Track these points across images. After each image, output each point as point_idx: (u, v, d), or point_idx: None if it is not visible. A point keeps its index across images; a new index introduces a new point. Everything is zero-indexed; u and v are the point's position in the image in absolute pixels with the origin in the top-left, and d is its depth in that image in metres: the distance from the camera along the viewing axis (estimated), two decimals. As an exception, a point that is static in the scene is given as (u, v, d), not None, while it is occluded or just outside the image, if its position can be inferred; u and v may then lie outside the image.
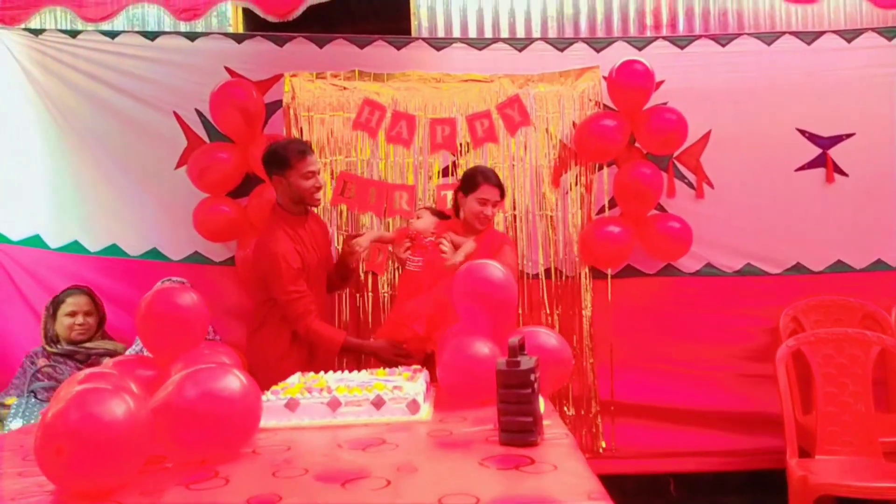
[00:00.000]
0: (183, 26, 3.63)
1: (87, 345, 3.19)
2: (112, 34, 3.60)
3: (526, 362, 1.59)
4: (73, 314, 3.18)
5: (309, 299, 2.80)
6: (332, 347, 2.83)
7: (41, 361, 3.13)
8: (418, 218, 3.15)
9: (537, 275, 3.55)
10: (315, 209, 3.05)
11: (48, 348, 3.16)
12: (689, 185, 3.59)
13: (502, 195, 3.02)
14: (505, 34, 4.02)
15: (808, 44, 3.58)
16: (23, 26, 3.47)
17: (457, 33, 4.04)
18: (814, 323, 3.47)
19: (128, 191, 3.57)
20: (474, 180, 2.98)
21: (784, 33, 3.64)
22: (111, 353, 3.13)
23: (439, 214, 3.17)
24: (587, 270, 3.54)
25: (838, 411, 2.82)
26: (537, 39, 3.73)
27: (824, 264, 3.60)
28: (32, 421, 2.77)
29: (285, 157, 2.78)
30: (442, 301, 2.65)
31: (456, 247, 2.90)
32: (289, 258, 2.76)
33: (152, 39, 3.60)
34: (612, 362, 3.52)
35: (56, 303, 3.22)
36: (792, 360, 3.00)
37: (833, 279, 3.56)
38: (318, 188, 2.87)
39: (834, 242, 3.59)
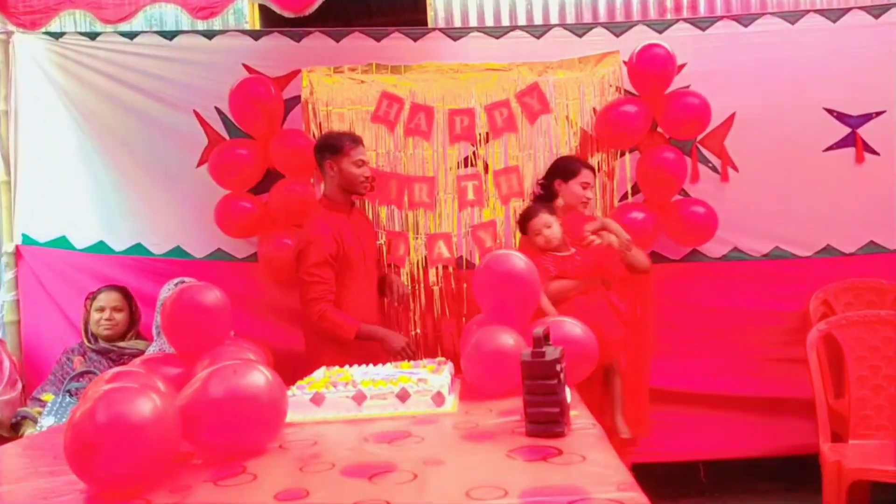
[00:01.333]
0: (200, 25, 3.64)
1: (121, 344, 3.23)
2: (131, 35, 3.62)
3: (551, 353, 1.57)
4: (101, 309, 3.22)
5: (327, 287, 2.83)
6: (345, 334, 2.83)
7: (77, 359, 3.17)
8: (543, 231, 2.89)
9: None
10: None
11: (87, 344, 3.22)
12: (714, 169, 3.53)
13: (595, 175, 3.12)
14: (522, 22, 3.99)
15: (834, 21, 3.49)
16: (43, 30, 3.51)
17: (473, 22, 4.01)
18: (844, 306, 3.40)
19: (150, 190, 3.60)
20: (572, 166, 3.10)
21: (808, 11, 3.56)
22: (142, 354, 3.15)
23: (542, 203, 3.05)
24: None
25: (871, 395, 2.76)
26: (555, 26, 3.68)
27: (856, 246, 3.52)
28: (65, 420, 2.81)
29: (339, 144, 2.92)
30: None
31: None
32: (321, 244, 2.83)
33: (170, 39, 3.61)
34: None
35: (91, 299, 3.29)
36: (823, 343, 2.95)
37: (865, 261, 3.48)
38: (367, 178, 2.98)
39: (865, 223, 3.50)
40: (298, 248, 2.89)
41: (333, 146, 2.93)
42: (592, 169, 3.13)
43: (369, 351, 2.77)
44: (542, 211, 2.92)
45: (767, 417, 3.47)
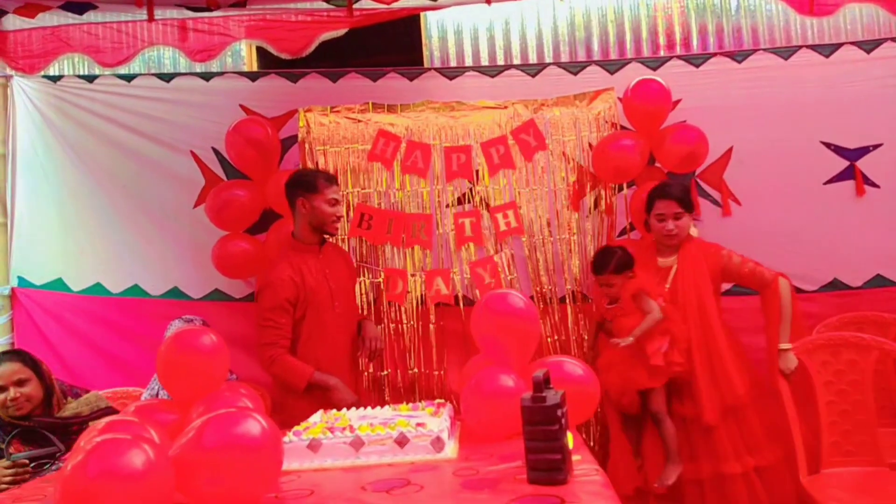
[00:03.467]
0: (198, 67, 3.67)
1: (65, 414, 2.54)
2: (129, 77, 3.65)
3: (552, 397, 1.54)
4: (2, 389, 2.47)
5: (281, 332, 2.75)
6: (296, 383, 2.73)
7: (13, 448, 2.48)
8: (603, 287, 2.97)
9: (563, 298, 3.48)
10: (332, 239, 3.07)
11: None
12: (715, 202, 3.54)
13: (684, 205, 2.93)
14: (517, 61, 4.01)
15: (827, 56, 3.54)
16: (41, 74, 3.54)
17: (469, 62, 4.04)
18: (821, 365, 3.30)
19: (147, 231, 3.60)
20: (649, 198, 3.02)
21: (801, 47, 3.61)
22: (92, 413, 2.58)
23: (623, 266, 2.97)
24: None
25: (840, 420, 2.68)
26: (550, 64, 3.72)
27: (863, 279, 3.50)
28: None
29: (313, 181, 2.85)
30: None
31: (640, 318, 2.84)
32: (278, 287, 2.74)
33: (168, 81, 3.65)
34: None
35: None
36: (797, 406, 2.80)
37: (874, 294, 3.46)
38: (339, 217, 2.91)
39: (872, 256, 3.49)
40: (257, 290, 2.84)
41: (307, 183, 2.85)
42: (676, 198, 2.92)
43: (328, 398, 2.71)
44: (610, 270, 2.92)
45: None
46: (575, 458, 1.61)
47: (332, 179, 2.91)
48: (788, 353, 2.85)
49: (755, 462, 2.90)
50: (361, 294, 3.49)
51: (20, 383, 2.49)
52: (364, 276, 3.51)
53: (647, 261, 3.02)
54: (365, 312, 3.46)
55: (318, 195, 2.83)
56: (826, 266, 3.51)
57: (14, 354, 2.63)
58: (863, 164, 3.51)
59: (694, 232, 3.05)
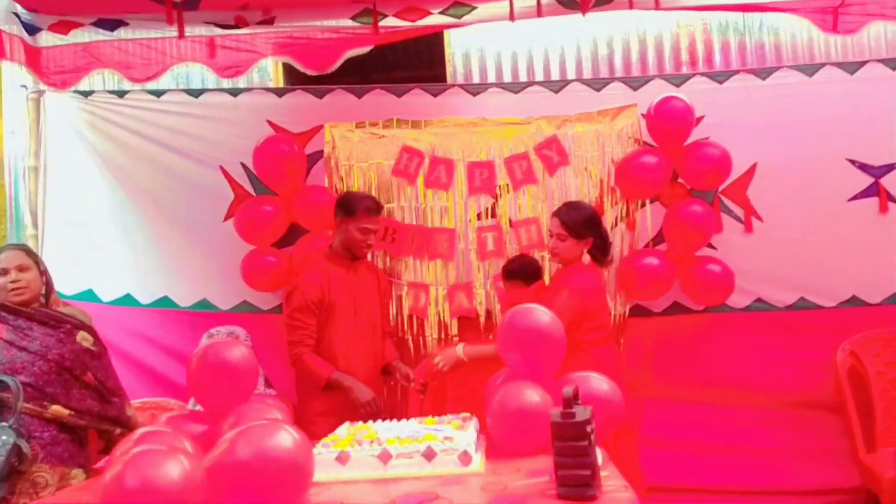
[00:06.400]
0: (226, 83, 3.74)
1: (63, 310, 2.61)
2: (158, 93, 3.71)
3: (581, 413, 1.55)
4: (4, 272, 2.50)
5: (307, 332, 2.92)
6: (317, 380, 2.90)
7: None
8: None
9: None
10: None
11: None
12: (737, 219, 3.53)
13: (567, 228, 2.86)
14: (540, 77, 4.05)
15: (851, 74, 3.52)
16: (73, 89, 3.62)
17: (492, 78, 4.09)
18: (873, 357, 3.35)
19: (177, 244, 3.65)
20: None
21: (825, 64, 3.60)
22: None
23: (511, 274, 3.28)
24: (626, 311, 3.50)
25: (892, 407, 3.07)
26: (573, 81, 3.75)
27: (882, 296, 3.48)
28: None
29: (354, 207, 2.98)
30: None
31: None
32: (305, 289, 2.93)
33: (197, 96, 3.70)
34: (664, 401, 3.43)
35: None
36: (853, 392, 3.20)
37: (892, 311, 3.44)
38: (369, 246, 3.06)
39: (891, 273, 3.46)
40: (286, 291, 3.03)
41: (348, 206, 2.99)
42: (557, 217, 2.91)
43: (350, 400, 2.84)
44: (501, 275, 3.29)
45: (796, 471, 3.39)
46: (603, 473, 1.61)
47: (373, 210, 3.00)
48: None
49: None
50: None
51: (22, 269, 2.51)
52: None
53: (554, 279, 3.10)
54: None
55: (353, 220, 2.97)
56: (845, 282, 3.49)
57: (16, 245, 2.72)
58: (887, 181, 3.50)
59: (585, 259, 2.96)
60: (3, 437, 2.20)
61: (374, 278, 3.19)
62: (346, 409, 2.79)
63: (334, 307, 2.96)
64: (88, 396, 2.49)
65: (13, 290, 2.48)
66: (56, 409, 2.39)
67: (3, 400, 2.29)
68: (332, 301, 2.95)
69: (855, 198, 3.50)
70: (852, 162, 3.49)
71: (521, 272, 3.30)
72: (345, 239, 3.01)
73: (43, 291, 2.56)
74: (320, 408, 2.89)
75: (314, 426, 2.62)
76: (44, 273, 2.60)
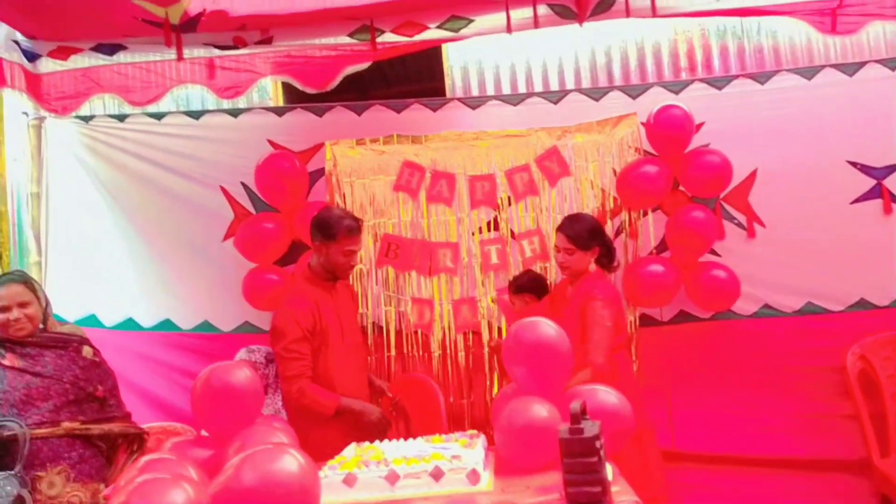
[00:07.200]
0: (226, 104, 3.74)
1: (63, 330, 2.67)
2: (158, 115, 3.73)
3: (590, 428, 1.53)
4: (6, 309, 2.49)
5: (306, 363, 2.76)
6: (326, 411, 2.76)
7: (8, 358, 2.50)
8: None
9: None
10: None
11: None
12: (740, 225, 3.51)
13: (574, 242, 2.89)
14: (539, 88, 4.05)
15: (851, 75, 3.50)
16: (74, 115, 3.63)
17: (491, 91, 4.09)
18: (884, 360, 3.33)
19: (178, 266, 3.65)
20: None
21: (824, 66, 3.58)
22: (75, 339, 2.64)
23: (522, 288, 3.29)
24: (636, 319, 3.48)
25: None
26: (572, 91, 3.75)
27: (890, 298, 3.44)
28: None
29: (334, 230, 2.80)
30: None
31: None
32: (300, 318, 2.76)
33: (197, 118, 3.72)
34: (672, 411, 3.40)
35: None
36: (865, 398, 3.18)
37: None
38: (353, 266, 2.93)
39: None
40: (275, 323, 2.81)
41: (327, 230, 2.81)
42: (562, 232, 2.93)
43: (351, 423, 2.76)
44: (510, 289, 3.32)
45: (809, 479, 3.35)
46: (614, 489, 1.59)
47: (353, 231, 2.83)
48: None
49: None
50: (386, 323, 3.55)
51: (23, 305, 2.51)
52: (391, 306, 3.54)
53: (562, 290, 3.08)
54: (392, 341, 3.51)
55: (334, 244, 2.81)
56: (852, 286, 3.46)
57: (17, 276, 2.67)
58: (890, 182, 3.47)
59: (592, 267, 2.98)
60: (8, 488, 2.23)
61: (350, 295, 3.09)
62: (352, 433, 2.66)
63: (326, 332, 2.81)
64: (99, 409, 2.55)
65: (14, 327, 2.49)
66: (66, 424, 2.44)
67: (9, 445, 2.31)
68: (325, 327, 2.81)
69: (858, 200, 3.47)
70: (854, 164, 3.47)
71: (532, 286, 3.28)
72: (327, 262, 2.85)
73: (41, 318, 2.58)
74: (322, 438, 2.65)
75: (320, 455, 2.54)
76: (43, 301, 2.61)
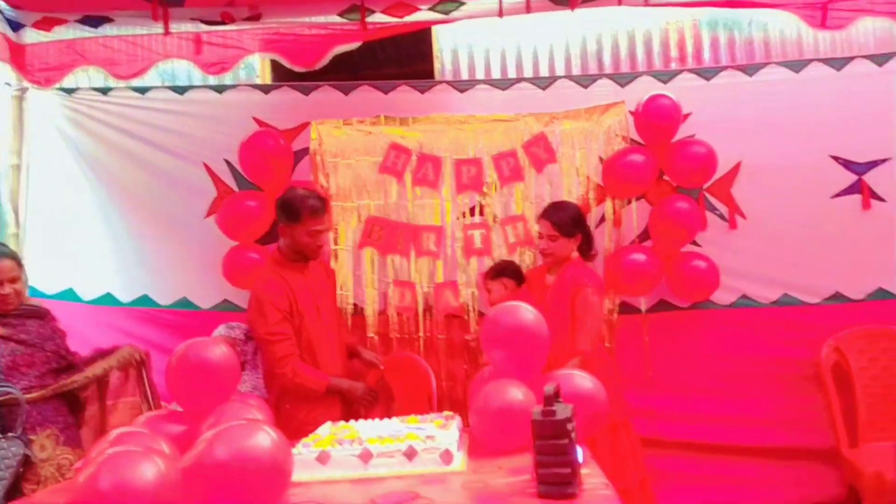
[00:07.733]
0: (212, 80, 3.70)
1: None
2: (143, 90, 3.68)
3: (562, 411, 1.54)
4: None
5: (292, 342, 2.77)
6: (317, 389, 2.78)
7: None
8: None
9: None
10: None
11: None
12: (721, 216, 3.53)
13: (559, 229, 2.94)
14: (528, 74, 4.02)
15: (838, 70, 3.52)
16: (57, 86, 3.58)
17: (480, 75, 4.06)
18: (858, 353, 3.38)
19: (158, 241, 3.62)
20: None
21: (812, 60, 3.60)
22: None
23: (500, 272, 3.29)
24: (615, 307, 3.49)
25: (875, 401, 3.18)
26: (561, 77, 3.73)
27: (865, 292, 3.49)
28: None
29: (298, 211, 2.77)
30: None
31: None
32: (277, 301, 2.75)
33: (182, 93, 3.67)
34: (651, 398, 3.43)
35: None
36: (836, 387, 3.28)
37: (875, 307, 3.45)
38: (320, 246, 2.88)
39: (874, 270, 3.48)
40: (253, 309, 2.79)
41: (291, 211, 2.77)
42: (546, 219, 2.99)
43: (339, 401, 2.82)
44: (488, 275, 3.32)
45: (781, 467, 3.41)
46: (584, 471, 1.61)
47: (318, 211, 2.79)
48: None
49: None
50: (369, 305, 3.53)
51: (13, 280, 2.57)
52: (374, 287, 3.52)
53: (539, 277, 3.11)
54: (374, 323, 3.51)
55: (299, 225, 2.77)
56: (828, 279, 3.50)
57: (6, 251, 2.72)
58: (870, 178, 3.50)
59: (574, 255, 3.03)
60: (14, 449, 2.34)
61: (324, 272, 3.05)
62: (340, 411, 2.76)
63: (303, 314, 2.80)
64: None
65: (5, 301, 2.55)
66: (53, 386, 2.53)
67: (8, 412, 2.38)
68: (301, 308, 2.80)
69: (839, 195, 3.50)
70: (836, 159, 3.50)
71: (511, 270, 3.30)
72: (294, 243, 2.81)
73: (26, 291, 2.68)
74: (310, 416, 2.69)
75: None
76: (25, 276, 2.69)
